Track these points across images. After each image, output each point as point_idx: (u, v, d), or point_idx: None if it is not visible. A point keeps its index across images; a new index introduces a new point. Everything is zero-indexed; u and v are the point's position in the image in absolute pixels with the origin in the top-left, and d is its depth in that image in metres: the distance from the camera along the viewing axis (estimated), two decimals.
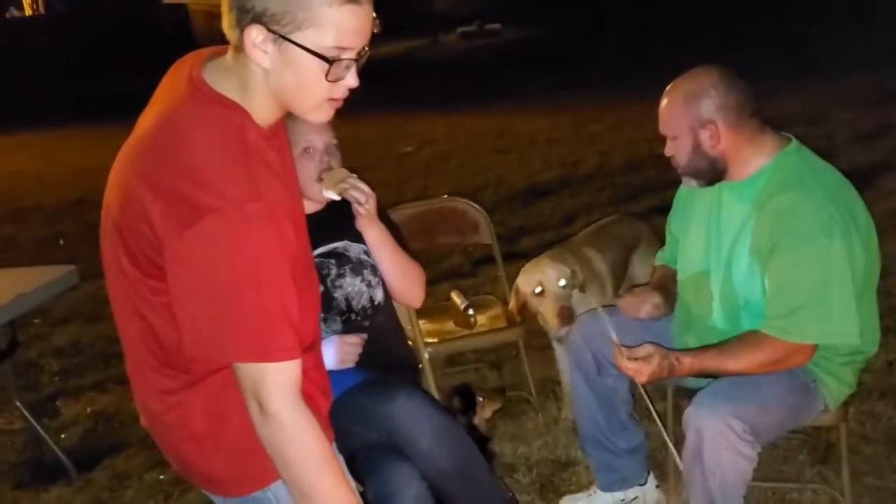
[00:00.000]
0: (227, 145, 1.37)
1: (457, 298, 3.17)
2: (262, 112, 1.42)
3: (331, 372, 1.93)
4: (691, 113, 2.12)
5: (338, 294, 2.19)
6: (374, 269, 2.24)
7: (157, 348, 1.47)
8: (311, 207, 2.24)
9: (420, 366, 2.68)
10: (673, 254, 2.47)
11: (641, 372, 2.09)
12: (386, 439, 1.97)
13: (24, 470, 3.27)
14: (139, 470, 3.17)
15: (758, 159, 2.13)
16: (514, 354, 3.53)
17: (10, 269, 3.41)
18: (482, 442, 2.32)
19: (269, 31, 1.33)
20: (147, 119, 1.48)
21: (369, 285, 2.24)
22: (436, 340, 2.99)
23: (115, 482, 3.11)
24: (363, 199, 2.15)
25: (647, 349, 2.09)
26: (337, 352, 2.09)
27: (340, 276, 2.21)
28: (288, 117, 1.50)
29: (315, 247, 2.19)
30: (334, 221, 2.23)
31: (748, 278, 2.13)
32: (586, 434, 2.52)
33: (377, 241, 2.22)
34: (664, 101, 2.18)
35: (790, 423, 2.18)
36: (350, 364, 2.10)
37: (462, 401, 2.40)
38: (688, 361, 2.10)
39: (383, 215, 2.29)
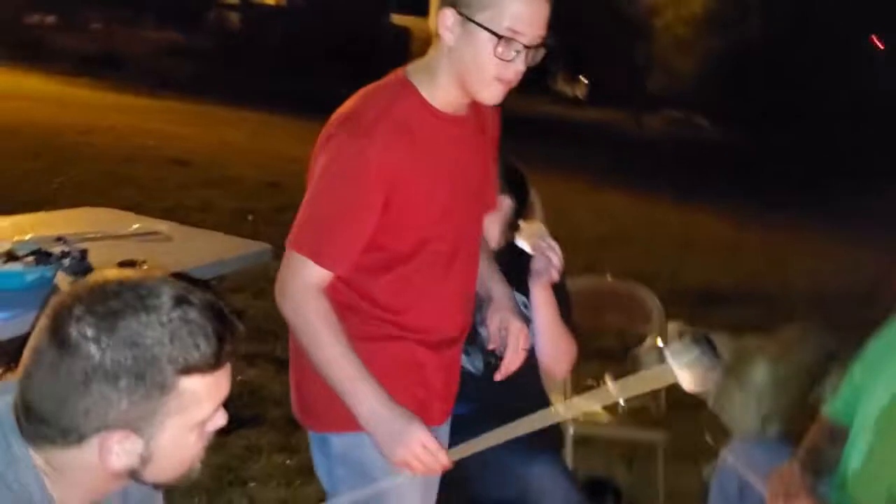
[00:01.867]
0: (375, 99, 1.70)
1: (611, 386, 3.13)
2: (443, 93, 1.71)
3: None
4: None
5: (484, 332, 2.22)
6: (527, 322, 2.26)
7: None
8: None
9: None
10: (846, 408, 2.32)
11: None
12: (517, 498, 1.97)
13: None
14: (270, 449, 3.30)
15: None
16: (649, 455, 3.43)
17: (214, 233, 3.63)
18: None
19: (458, 13, 1.61)
20: None
21: None
22: (579, 419, 2.95)
23: (246, 453, 3.25)
24: (556, 264, 2.17)
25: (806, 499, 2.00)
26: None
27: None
28: None
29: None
30: (504, 265, 2.25)
31: None
32: None
33: (543, 304, 2.23)
34: None
35: None
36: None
37: (593, 493, 2.36)
38: None
39: (561, 280, 2.30)
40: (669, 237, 8.41)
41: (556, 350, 2.29)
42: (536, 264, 2.19)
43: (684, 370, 1.63)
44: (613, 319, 3.34)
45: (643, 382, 1.85)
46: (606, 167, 12.95)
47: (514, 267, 2.24)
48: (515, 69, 1.65)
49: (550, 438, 2.30)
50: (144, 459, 1.13)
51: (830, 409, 2.38)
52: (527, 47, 1.63)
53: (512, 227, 2.31)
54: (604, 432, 3.09)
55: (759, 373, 2.93)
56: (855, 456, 2.17)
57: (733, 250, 7.99)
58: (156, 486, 1.22)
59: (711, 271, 7.15)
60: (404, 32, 36.38)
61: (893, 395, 2.12)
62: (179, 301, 1.10)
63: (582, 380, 3.27)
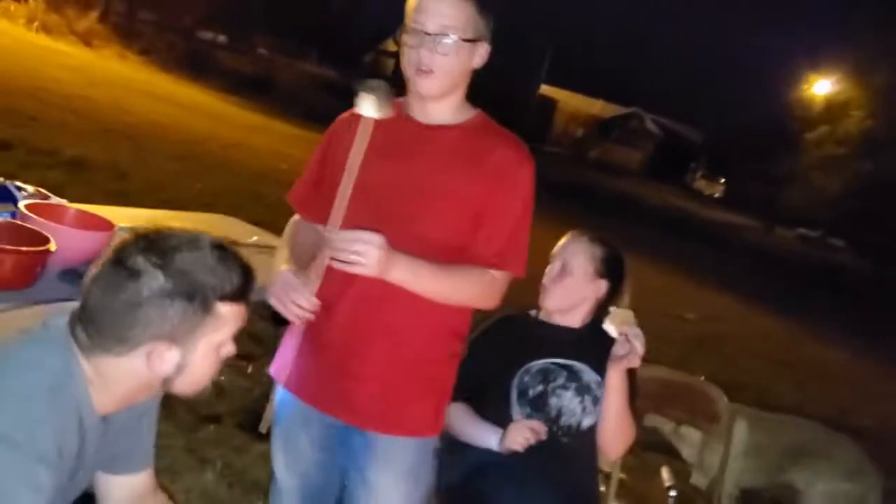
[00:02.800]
0: None
1: (665, 475, 3.11)
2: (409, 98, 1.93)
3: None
4: None
5: (552, 401, 2.27)
6: (596, 401, 2.30)
7: None
8: (570, 320, 2.37)
9: None
10: None
11: None
12: None
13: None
14: None
15: None
16: None
17: None
18: None
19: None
20: None
21: (584, 411, 2.30)
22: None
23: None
24: (638, 352, 2.22)
25: None
26: (510, 430, 2.17)
27: (564, 388, 2.29)
28: None
29: (558, 355, 2.32)
30: (587, 343, 2.33)
31: None
32: None
33: (615, 388, 2.27)
34: None
35: None
36: (517, 448, 2.17)
37: None
38: None
39: (638, 384, 2.35)
40: (770, 351, 8.16)
41: (617, 433, 2.32)
42: (619, 350, 2.24)
43: None
44: (676, 413, 3.30)
45: None
46: (725, 269, 12.69)
47: (595, 347, 2.31)
48: (420, 55, 1.80)
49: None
50: (179, 369, 1.37)
51: None
52: (428, 34, 1.79)
53: (601, 310, 2.36)
54: None
55: (740, 431, 2.90)
56: None
57: (834, 380, 7.66)
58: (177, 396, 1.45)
59: (803, 395, 6.88)
60: (550, 103, 37.00)
61: None
62: (217, 246, 1.38)
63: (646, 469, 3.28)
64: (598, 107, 42.16)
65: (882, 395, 7.58)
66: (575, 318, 2.38)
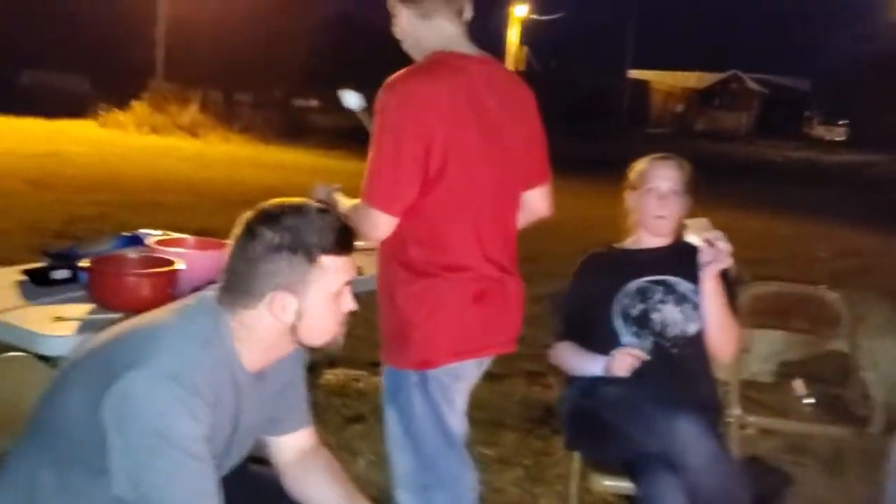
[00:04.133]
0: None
1: (797, 386, 3.14)
2: None
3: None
4: None
5: (655, 316, 2.39)
6: (696, 307, 2.40)
7: None
8: (655, 242, 2.48)
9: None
10: None
11: None
12: (662, 451, 2.11)
13: None
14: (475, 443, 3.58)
15: None
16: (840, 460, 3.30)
17: None
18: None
19: None
20: None
21: (687, 318, 2.39)
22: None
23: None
24: (724, 252, 2.32)
25: None
26: (613, 357, 2.29)
27: (663, 301, 2.40)
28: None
29: (650, 273, 2.43)
30: (674, 257, 2.43)
31: None
32: None
33: (711, 292, 2.36)
34: None
35: None
36: (623, 373, 2.27)
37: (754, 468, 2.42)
38: None
39: (728, 271, 2.42)
40: None
41: (722, 334, 2.40)
42: (704, 256, 2.34)
43: None
44: (800, 324, 3.30)
45: None
46: (854, 207, 12.18)
47: (683, 258, 2.42)
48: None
49: (708, 410, 2.40)
50: (299, 316, 1.56)
51: None
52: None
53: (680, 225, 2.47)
54: (778, 425, 3.08)
55: None
56: None
57: None
58: (311, 350, 1.65)
59: None
60: (643, 85, 36.46)
61: None
62: (319, 210, 1.60)
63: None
64: (693, 79, 41.23)
65: None
66: (661, 239, 2.49)
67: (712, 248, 2.32)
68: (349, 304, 1.62)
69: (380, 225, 1.99)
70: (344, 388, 3.99)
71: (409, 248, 2.03)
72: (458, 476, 2.12)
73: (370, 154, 2.00)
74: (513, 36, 36.88)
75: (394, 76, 1.99)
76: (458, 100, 1.99)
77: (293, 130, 21.61)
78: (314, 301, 1.57)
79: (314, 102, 30.16)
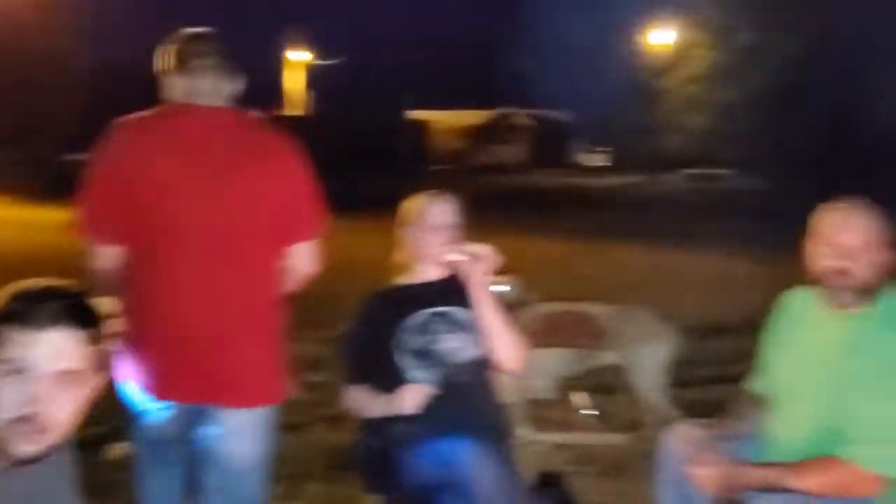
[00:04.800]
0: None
1: (577, 399, 3.35)
2: None
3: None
4: (884, 231, 2.19)
5: (438, 348, 2.47)
6: (478, 334, 2.50)
7: None
8: (432, 274, 2.57)
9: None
10: (766, 377, 2.50)
11: (707, 477, 2.18)
12: (454, 482, 2.17)
13: None
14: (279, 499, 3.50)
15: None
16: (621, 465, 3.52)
17: None
18: None
19: None
20: None
21: (468, 345, 2.49)
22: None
23: None
24: (483, 257, 2.41)
25: (711, 457, 2.19)
26: (402, 396, 2.35)
27: (444, 332, 2.48)
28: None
29: (428, 306, 2.51)
30: (450, 288, 2.52)
31: (840, 405, 2.17)
32: None
33: (482, 301, 2.44)
34: (861, 211, 2.21)
35: None
36: (413, 410, 2.33)
37: (544, 484, 2.54)
38: (756, 472, 2.17)
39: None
40: (679, 280, 8.58)
41: (504, 342, 2.47)
42: (467, 267, 2.42)
43: None
44: (577, 340, 3.53)
45: None
46: (621, 225, 13.19)
47: (457, 288, 2.50)
48: None
49: (495, 433, 2.50)
50: None
51: (751, 382, 2.58)
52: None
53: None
54: (561, 439, 3.28)
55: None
56: (775, 420, 2.36)
57: (741, 287, 8.10)
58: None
59: (720, 307, 7.28)
60: (423, 125, 37.61)
61: (797, 363, 2.32)
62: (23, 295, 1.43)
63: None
64: (469, 117, 43.10)
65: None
66: (437, 271, 2.58)
67: (468, 258, 2.41)
68: (24, 403, 1.38)
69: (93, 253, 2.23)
70: (131, 461, 3.76)
71: None
72: None
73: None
74: (293, 80, 36.85)
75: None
76: (156, 142, 2.18)
77: (65, 187, 20.17)
78: None
79: (84, 157, 28.43)
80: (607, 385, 3.92)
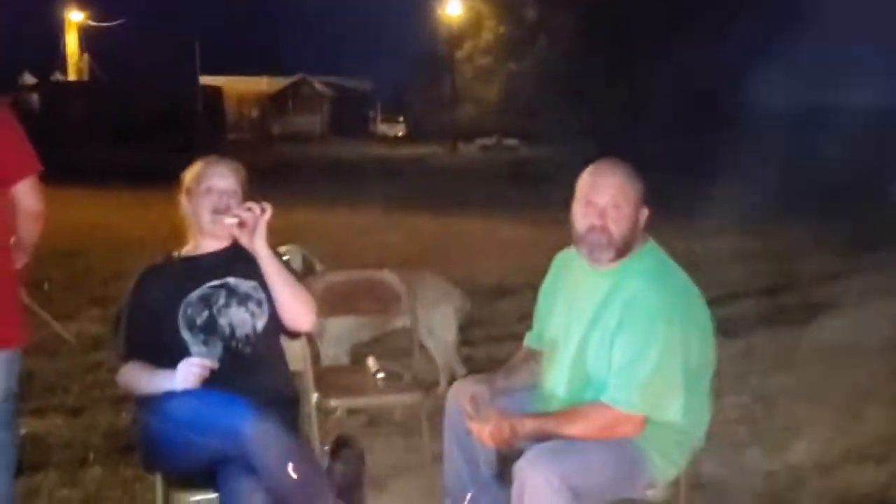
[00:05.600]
0: None
1: (371, 364, 3.41)
2: None
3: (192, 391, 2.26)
4: (639, 189, 2.36)
5: (222, 321, 2.42)
6: (260, 304, 2.48)
7: None
8: (213, 245, 2.52)
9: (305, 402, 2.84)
10: (539, 332, 2.67)
11: (483, 431, 2.31)
12: (240, 455, 2.16)
13: None
14: (53, 486, 3.32)
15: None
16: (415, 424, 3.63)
17: None
18: (347, 489, 2.46)
19: None
20: None
21: (253, 315, 2.47)
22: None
23: (28, 493, 3.26)
24: (257, 214, 2.38)
25: (488, 412, 2.32)
26: (179, 371, 2.29)
27: (227, 305, 2.44)
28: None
29: (210, 279, 2.46)
30: (233, 259, 2.49)
31: (598, 355, 2.35)
32: (451, 490, 2.69)
33: (262, 258, 2.41)
34: (614, 171, 2.36)
35: (615, 489, 2.35)
36: (191, 385, 2.29)
37: (337, 448, 2.57)
38: (528, 424, 2.31)
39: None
40: (471, 245, 8.90)
41: (294, 300, 2.45)
42: (235, 227, 2.39)
43: None
44: (368, 306, 3.59)
45: None
46: (419, 194, 13.44)
47: (239, 259, 2.46)
48: None
49: (283, 402, 2.49)
50: None
51: (527, 338, 2.74)
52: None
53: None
54: (360, 403, 3.34)
55: None
56: (546, 372, 2.53)
57: (528, 250, 8.52)
58: None
59: (505, 270, 7.62)
60: (216, 91, 36.25)
61: (563, 319, 2.50)
62: None
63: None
64: (264, 84, 42.05)
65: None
66: (219, 242, 2.52)
67: (239, 216, 2.39)
68: None
69: None
70: None
71: None
72: None
73: None
74: (72, 43, 34.20)
75: None
76: None
77: None
78: None
79: None
80: (401, 348, 4.02)
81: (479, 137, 27.27)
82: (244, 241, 2.42)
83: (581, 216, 2.39)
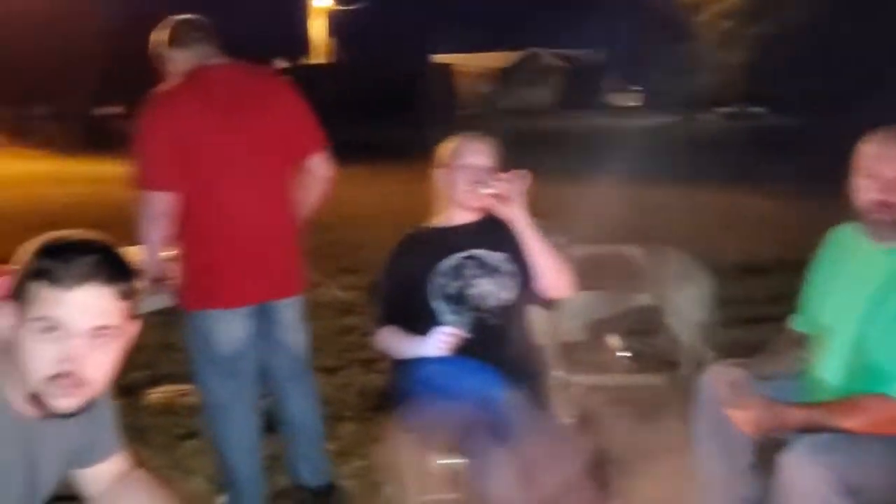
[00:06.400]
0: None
1: (613, 341, 3.32)
2: None
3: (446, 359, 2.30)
4: None
5: (472, 291, 2.46)
6: (509, 276, 2.48)
7: None
8: (464, 217, 2.54)
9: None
10: (811, 315, 2.45)
11: (745, 418, 2.14)
12: (488, 424, 2.16)
13: None
14: None
15: None
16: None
17: None
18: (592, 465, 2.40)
19: None
20: None
21: (502, 288, 2.48)
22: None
23: None
24: (507, 184, 2.39)
25: (750, 398, 2.15)
26: (431, 338, 2.35)
27: (476, 276, 2.47)
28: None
29: (461, 250, 2.49)
30: (483, 231, 2.52)
31: (882, 341, 2.11)
32: (705, 477, 2.54)
33: (519, 227, 2.43)
34: None
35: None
36: (442, 353, 2.33)
37: (581, 423, 2.52)
38: (797, 413, 2.12)
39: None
40: (715, 220, 8.47)
41: (551, 267, 2.46)
42: (491, 198, 2.40)
43: None
44: (608, 282, 3.48)
45: None
46: (655, 167, 12.99)
47: (489, 230, 2.48)
48: None
49: (528, 376, 2.47)
50: (13, 331, 1.42)
51: (794, 320, 2.52)
52: None
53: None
54: (598, 381, 3.25)
55: None
56: (818, 358, 2.31)
57: (781, 227, 7.98)
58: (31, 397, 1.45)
59: (753, 246, 7.18)
60: (447, 69, 37.23)
61: (840, 301, 2.26)
62: (57, 241, 1.45)
63: None
64: (494, 59, 42.57)
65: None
66: (470, 214, 2.55)
67: (496, 186, 2.39)
68: (64, 361, 1.41)
69: (150, 201, 2.56)
70: (171, 406, 3.82)
71: None
72: None
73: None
74: (317, 28, 36.49)
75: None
76: (195, 101, 2.61)
77: (96, 140, 20.41)
78: (26, 323, 1.41)
79: (118, 109, 28.59)
80: (642, 327, 3.89)
81: (719, 106, 25.90)
82: (502, 211, 2.42)
83: (863, 190, 2.15)
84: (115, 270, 1.44)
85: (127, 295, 1.46)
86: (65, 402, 1.41)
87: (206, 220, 2.62)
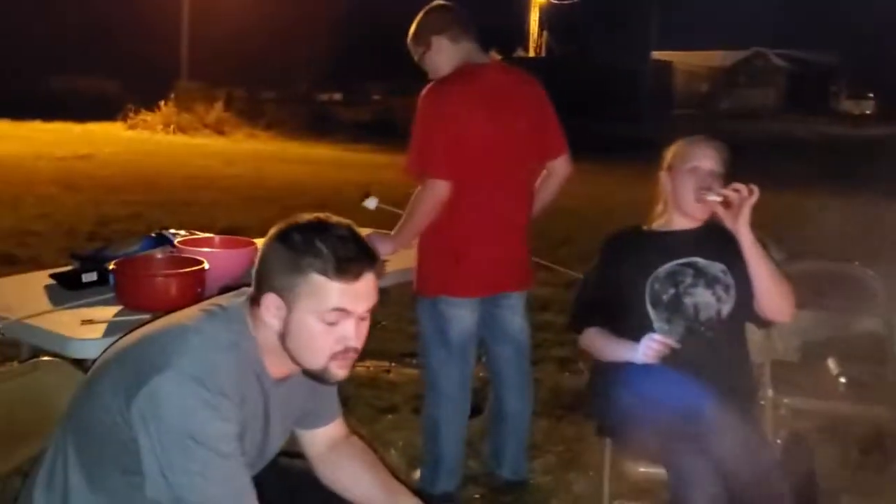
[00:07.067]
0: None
1: (832, 365, 3.09)
2: None
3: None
4: None
5: (687, 300, 2.35)
6: (727, 288, 2.36)
7: None
8: (685, 223, 2.45)
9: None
10: None
11: None
12: (696, 437, 2.09)
13: None
14: None
15: None
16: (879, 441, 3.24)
17: None
18: (800, 490, 2.27)
19: None
20: None
21: (719, 300, 2.35)
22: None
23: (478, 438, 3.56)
24: (740, 194, 2.28)
25: None
26: (641, 344, 2.27)
27: (693, 285, 2.36)
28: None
29: (679, 256, 2.40)
30: (703, 239, 2.41)
31: None
32: None
33: (747, 245, 2.31)
34: None
35: None
36: (651, 360, 2.25)
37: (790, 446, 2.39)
38: None
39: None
40: None
41: (776, 289, 2.34)
42: (723, 209, 2.31)
43: None
44: (831, 301, 3.25)
45: None
46: (884, 178, 11.98)
47: (711, 239, 2.40)
48: None
49: (740, 393, 2.36)
50: (286, 325, 1.57)
51: None
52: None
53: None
54: (809, 405, 3.03)
55: None
56: None
57: None
58: (305, 372, 1.62)
59: None
60: (666, 66, 36.14)
61: None
62: (341, 235, 1.57)
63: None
64: (716, 58, 40.82)
65: None
66: (691, 221, 2.45)
67: (724, 198, 2.30)
68: (347, 339, 1.58)
69: (429, 187, 2.68)
70: (374, 380, 4.01)
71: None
72: None
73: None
74: (533, 21, 36.62)
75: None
76: (472, 98, 2.71)
77: (317, 125, 21.71)
78: (301, 314, 1.55)
79: (337, 96, 30.24)
80: (866, 353, 3.58)
81: None
82: (728, 222, 2.33)
83: None
84: (374, 256, 1.59)
85: (379, 275, 1.62)
86: (343, 373, 1.61)
87: (459, 212, 2.72)
